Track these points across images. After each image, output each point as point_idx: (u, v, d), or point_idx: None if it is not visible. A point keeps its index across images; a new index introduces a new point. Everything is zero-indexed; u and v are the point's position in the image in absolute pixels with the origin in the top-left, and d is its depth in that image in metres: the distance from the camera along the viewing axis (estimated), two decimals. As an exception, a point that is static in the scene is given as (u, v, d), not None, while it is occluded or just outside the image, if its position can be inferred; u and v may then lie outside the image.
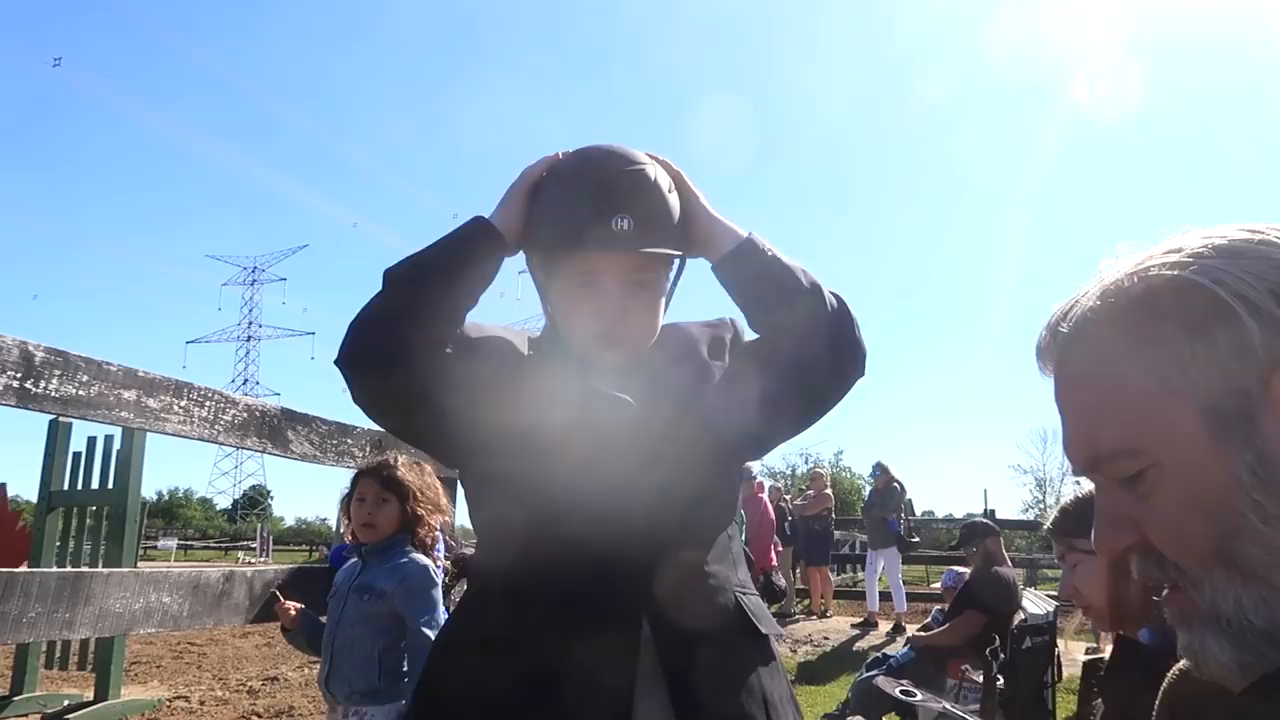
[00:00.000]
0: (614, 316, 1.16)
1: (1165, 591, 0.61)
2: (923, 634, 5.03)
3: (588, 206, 1.14)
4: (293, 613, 2.34)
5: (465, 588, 2.66)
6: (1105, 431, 0.58)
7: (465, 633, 1.16)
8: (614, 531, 1.06)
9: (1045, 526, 1.62)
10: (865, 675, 4.27)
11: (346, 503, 2.47)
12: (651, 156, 1.21)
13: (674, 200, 1.20)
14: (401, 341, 1.13)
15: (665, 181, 1.20)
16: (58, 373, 1.86)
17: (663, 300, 1.24)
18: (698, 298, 1.39)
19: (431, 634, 2.18)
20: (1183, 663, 0.77)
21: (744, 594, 1.19)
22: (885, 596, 9.05)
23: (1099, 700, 1.47)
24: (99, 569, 2.23)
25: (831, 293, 1.21)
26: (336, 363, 1.16)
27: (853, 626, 8.80)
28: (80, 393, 1.91)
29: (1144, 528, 0.58)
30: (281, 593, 2.36)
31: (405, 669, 2.25)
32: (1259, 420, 0.53)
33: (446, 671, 1.14)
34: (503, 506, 1.15)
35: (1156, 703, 0.79)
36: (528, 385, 1.15)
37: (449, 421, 1.15)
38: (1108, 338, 0.58)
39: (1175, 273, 0.56)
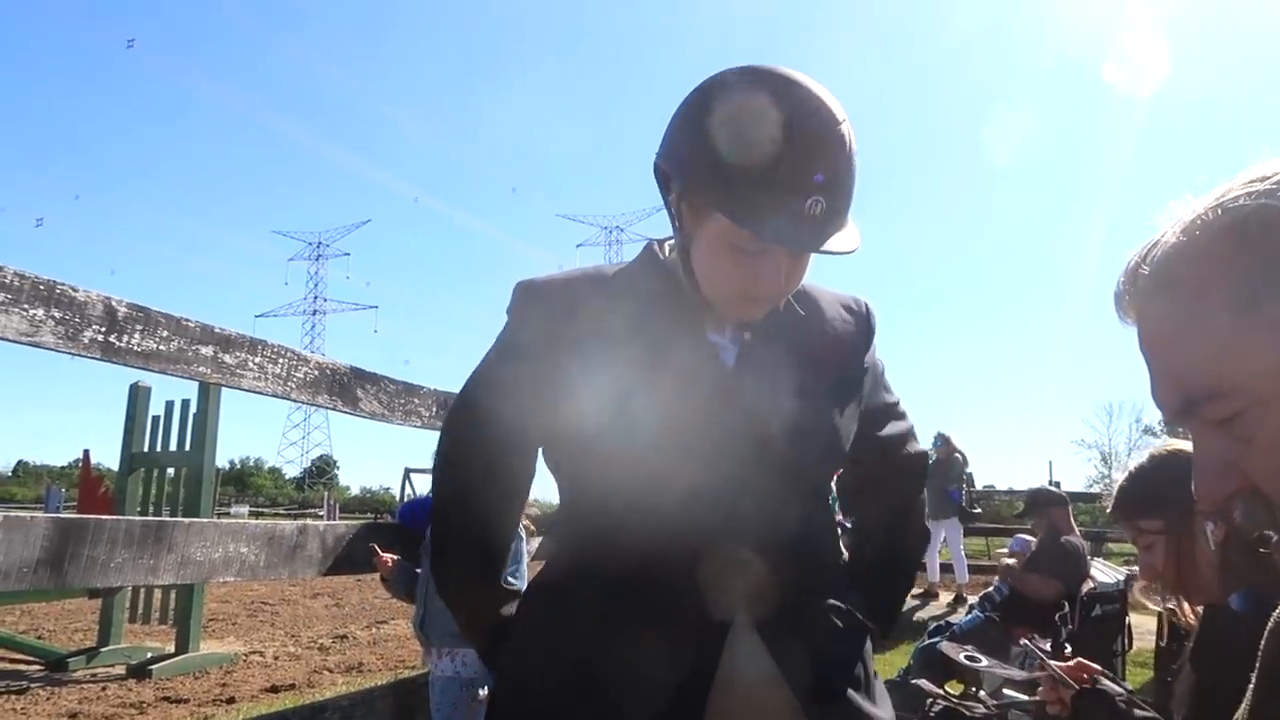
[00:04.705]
0: (773, 286, 1.05)
1: (1276, 540, 0.58)
2: (1014, 566, 4.82)
3: (781, 185, 0.96)
4: (389, 563, 2.47)
5: (540, 542, 2.72)
6: (1197, 373, 0.54)
7: (534, 623, 1.14)
8: (716, 519, 1.03)
9: (1108, 510, 1.57)
10: (929, 641, 4.23)
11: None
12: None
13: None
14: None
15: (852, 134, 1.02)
16: (139, 328, 1.91)
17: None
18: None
19: (516, 584, 2.25)
20: None
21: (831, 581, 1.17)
22: (946, 568, 8.94)
23: (1186, 669, 1.43)
24: (180, 519, 2.31)
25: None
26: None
27: (913, 597, 8.72)
28: (160, 347, 1.96)
29: (1248, 472, 0.55)
30: (380, 546, 2.49)
31: None
32: None
33: (520, 661, 1.13)
34: (604, 491, 1.10)
35: (1263, 641, 0.76)
36: (640, 367, 1.06)
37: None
38: (1193, 275, 0.54)
39: (1262, 201, 0.52)
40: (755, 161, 0.96)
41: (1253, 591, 1.27)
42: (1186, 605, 1.46)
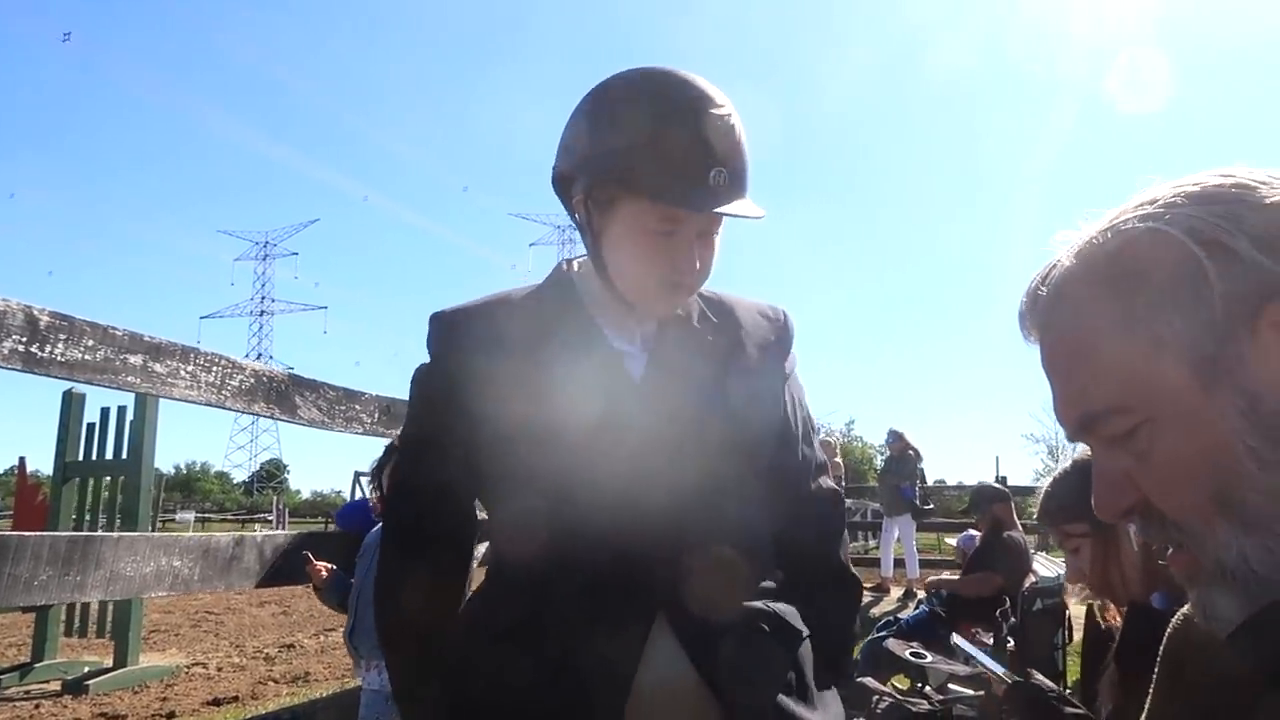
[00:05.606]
0: (688, 268, 1.10)
1: (1170, 552, 0.59)
2: (945, 578, 5.03)
3: (687, 158, 1.04)
4: (324, 573, 2.45)
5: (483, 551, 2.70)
6: (1094, 391, 0.57)
7: (488, 623, 1.14)
8: (635, 524, 1.05)
9: (1035, 517, 1.62)
10: (875, 637, 4.29)
11: (379, 470, 2.54)
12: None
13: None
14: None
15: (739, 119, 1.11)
16: (63, 337, 1.85)
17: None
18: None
19: None
20: (1185, 608, 0.76)
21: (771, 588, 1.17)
22: (898, 563, 9.08)
23: (1111, 666, 1.47)
24: (109, 533, 2.24)
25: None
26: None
27: (865, 591, 8.82)
28: (86, 357, 1.90)
29: (1142, 486, 0.57)
30: (313, 554, 2.43)
31: None
32: (1247, 365, 0.52)
33: (471, 661, 1.13)
34: (525, 500, 1.11)
35: (1161, 649, 0.78)
36: (549, 381, 1.09)
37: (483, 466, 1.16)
38: (1086, 296, 0.56)
39: (1149, 224, 0.54)
40: (659, 143, 1.05)
41: (1174, 592, 1.30)
42: (1112, 605, 1.51)
